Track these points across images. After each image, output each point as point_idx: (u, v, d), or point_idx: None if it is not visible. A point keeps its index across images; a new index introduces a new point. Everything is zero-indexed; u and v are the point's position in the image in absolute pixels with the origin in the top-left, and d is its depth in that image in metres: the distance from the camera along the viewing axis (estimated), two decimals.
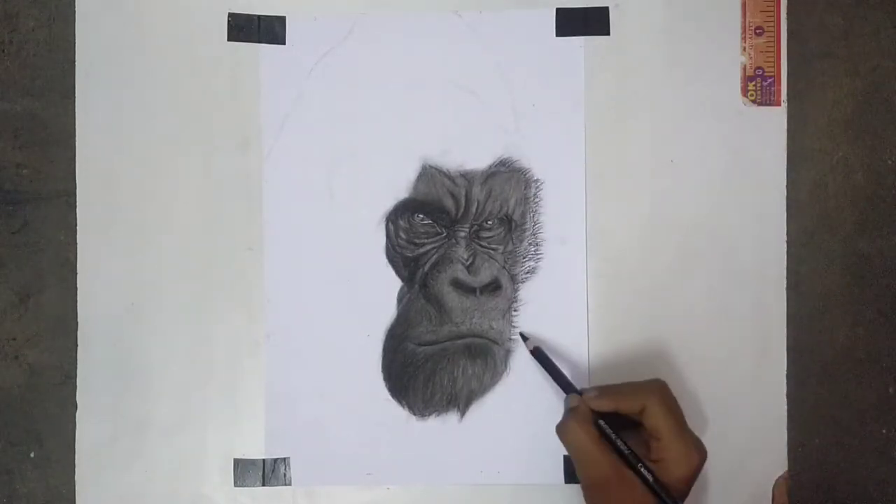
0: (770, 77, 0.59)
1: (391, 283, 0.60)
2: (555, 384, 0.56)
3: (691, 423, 0.54)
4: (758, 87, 0.59)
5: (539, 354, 0.57)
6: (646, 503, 0.50)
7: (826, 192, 0.59)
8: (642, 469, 0.51)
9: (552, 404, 0.59)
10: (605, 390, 0.53)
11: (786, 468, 0.58)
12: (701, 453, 0.51)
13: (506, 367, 0.59)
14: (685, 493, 0.51)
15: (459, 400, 0.59)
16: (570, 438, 0.52)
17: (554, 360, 0.57)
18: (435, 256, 0.59)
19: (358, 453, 0.59)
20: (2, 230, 0.60)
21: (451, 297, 0.59)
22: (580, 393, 0.54)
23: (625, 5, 0.59)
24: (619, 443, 0.52)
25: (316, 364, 0.60)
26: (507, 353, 0.59)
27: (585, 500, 0.52)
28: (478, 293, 0.59)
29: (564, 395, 0.56)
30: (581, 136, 0.59)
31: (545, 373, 0.56)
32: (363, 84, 0.60)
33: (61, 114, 0.60)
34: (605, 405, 0.52)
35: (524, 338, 0.58)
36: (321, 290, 0.60)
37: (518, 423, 0.59)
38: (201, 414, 0.59)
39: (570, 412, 0.53)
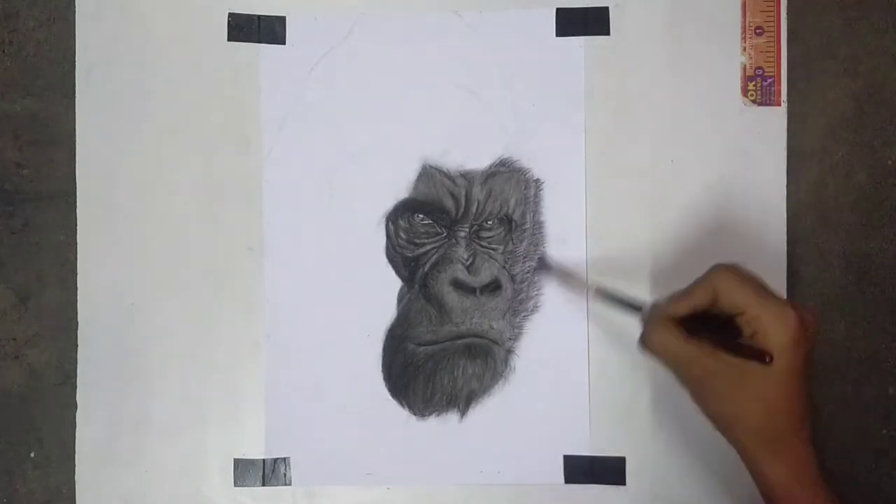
0: (770, 77, 0.59)
1: (391, 283, 0.60)
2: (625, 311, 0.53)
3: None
4: (758, 87, 0.59)
5: (604, 294, 0.54)
6: (762, 385, 0.46)
7: (826, 191, 0.59)
8: (744, 344, 0.46)
9: (553, 404, 0.59)
10: (674, 296, 0.49)
11: None
12: (797, 310, 0.45)
13: (506, 366, 0.59)
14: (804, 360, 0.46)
15: (459, 400, 0.59)
16: (659, 347, 0.47)
17: (611, 291, 0.55)
18: (435, 256, 0.59)
19: (358, 453, 0.59)
20: (2, 230, 0.60)
21: (452, 297, 0.59)
22: (649, 307, 0.51)
23: (625, 5, 0.59)
24: (709, 337, 0.47)
25: (316, 364, 0.60)
26: (508, 353, 0.59)
27: (703, 409, 0.48)
28: (478, 293, 0.59)
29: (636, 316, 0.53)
30: (581, 136, 0.59)
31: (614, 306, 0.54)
32: (363, 84, 0.60)
33: (61, 114, 0.60)
34: (681, 307, 0.48)
35: (591, 287, 0.56)
36: (321, 290, 0.60)
37: (518, 422, 0.59)
38: (201, 414, 0.59)
39: (647, 325, 0.49)
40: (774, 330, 0.45)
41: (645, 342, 0.49)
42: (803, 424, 0.47)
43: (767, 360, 0.45)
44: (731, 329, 0.48)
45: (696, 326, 0.48)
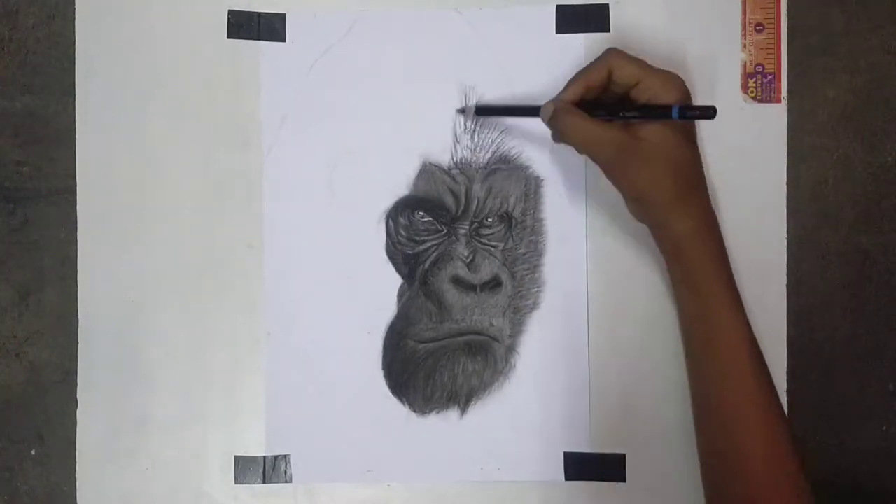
0: (770, 74, 0.59)
1: (391, 281, 0.60)
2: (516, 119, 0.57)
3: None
4: (758, 83, 0.59)
5: (484, 110, 0.58)
6: (666, 139, 0.51)
7: (826, 188, 0.59)
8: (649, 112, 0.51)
9: (553, 402, 0.59)
10: (566, 85, 0.53)
11: None
12: (675, 74, 0.52)
13: (506, 364, 0.59)
14: None
15: (460, 397, 0.59)
16: (575, 133, 0.52)
17: (490, 105, 0.58)
18: (435, 254, 0.59)
19: (358, 450, 0.59)
20: (2, 228, 0.60)
21: (452, 295, 0.59)
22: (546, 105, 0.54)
23: (625, 2, 0.59)
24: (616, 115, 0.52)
25: (316, 361, 0.60)
26: (508, 350, 0.59)
27: (620, 184, 0.53)
28: (478, 290, 0.59)
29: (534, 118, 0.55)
30: None
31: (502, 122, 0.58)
32: (363, 81, 0.60)
33: (61, 111, 0.60)
34: (576, 90, 0.52)
35: (461, 110, 0.59)
36: (321, 288, 0.60)
37: (519, 420, 0.59)
38: (202, 411, 0.60)
39: (554, 115, 0.53)
40: (667, 91, 0.51)
41: (559, 132, 0.53)
42: (703, 179, 0.54)
43: (712, 112, 0.50)
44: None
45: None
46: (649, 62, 0.52)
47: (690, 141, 0.53)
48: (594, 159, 0.53)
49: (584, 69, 0.53)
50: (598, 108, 0.52)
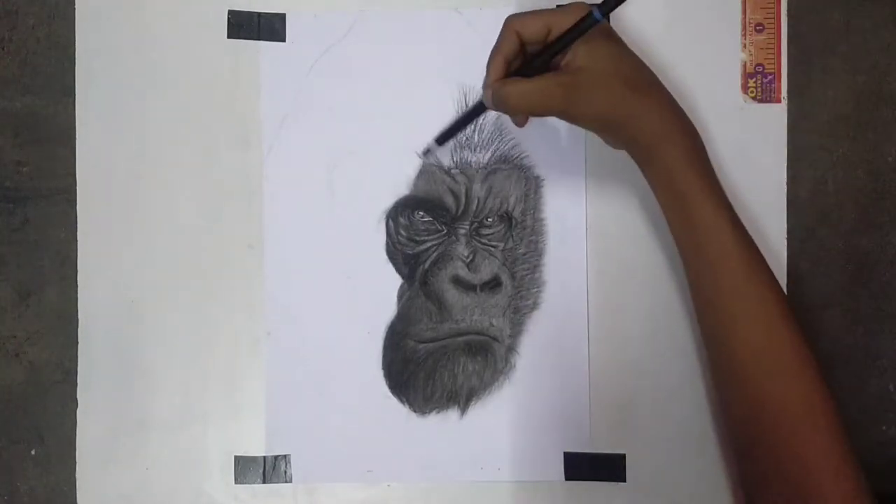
0: (770, 74, 0.59)
1: (391, 281, 0.60)
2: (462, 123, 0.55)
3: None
4: (758, 84, 0.59)
5: (443, 137, 0.56)
6: (597, 53, 0.49)
7: (826, 189, 0.59)
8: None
9: (553, 402, 0.59)
10: (487, 69, 0.51)
11: None
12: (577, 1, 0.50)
13: (506, 364, 0.59)
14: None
15: (460, 397, 0.59)
16: (516, 98, 0.49)
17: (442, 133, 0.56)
18: (435, 254, 0.59)
19: (358, 450, 0.59)
20: (2, 228, 0.60)
21: (452, 295, 0.59)
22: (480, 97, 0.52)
23: (625, 2, 0.59)
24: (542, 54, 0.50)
25: (316, 361, 0.60)
26: (508, 350, 0.59)
27: (580, 121, 0.51)
28: (478, 290, 0.59)
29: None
30: (581, 133, 0.59)
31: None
32: (363, 81, 0.60)
33: (61, 111, 0.60)
34: (498, 67, 0.50)
35: (426, 153, 0.58)
36: (321, 288, 0.60)
37: (518, 420, 0.59)
38: (202, 411, 0.60)
39: (494, 96, 0.50)
40: (577, 17, 0.48)
41: (510, 108, 0.50)
42: (655, 77, 0.52)
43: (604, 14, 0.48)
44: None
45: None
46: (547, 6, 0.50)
47: (621, 45, 0.51)
48: (553, 113, 0.50)
49: (495, 45, 0.50)
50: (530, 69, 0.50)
